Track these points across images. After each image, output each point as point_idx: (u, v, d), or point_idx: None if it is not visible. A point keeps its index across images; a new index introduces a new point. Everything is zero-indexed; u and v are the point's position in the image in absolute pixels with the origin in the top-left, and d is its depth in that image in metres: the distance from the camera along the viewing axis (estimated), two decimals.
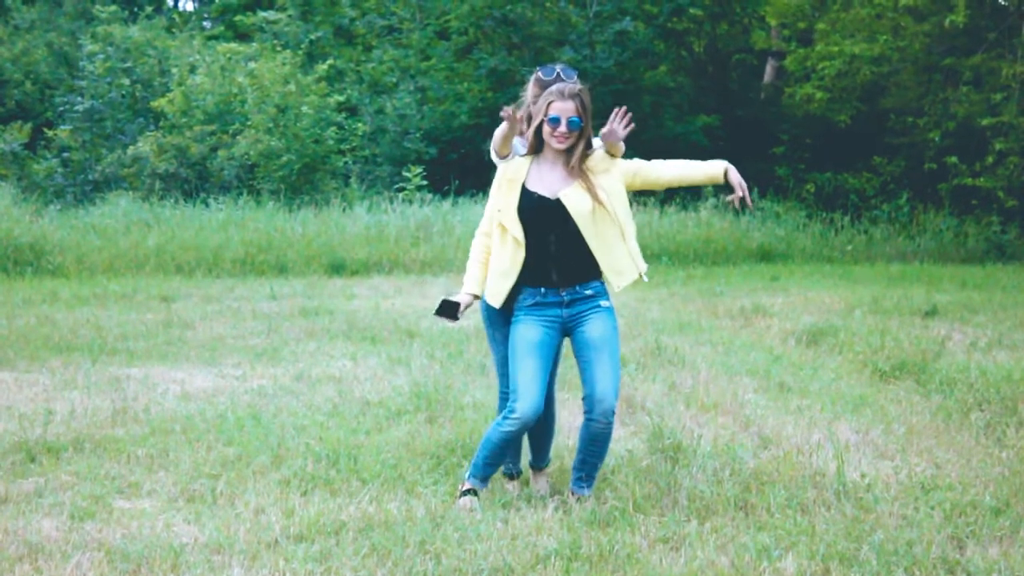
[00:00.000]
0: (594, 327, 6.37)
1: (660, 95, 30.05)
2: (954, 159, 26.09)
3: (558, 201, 6.32)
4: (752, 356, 11.25)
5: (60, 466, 7.18)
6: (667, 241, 22.40)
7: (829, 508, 6.34)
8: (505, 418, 6.28)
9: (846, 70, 27.21)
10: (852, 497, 6.50)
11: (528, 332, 6.35)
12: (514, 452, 6.88)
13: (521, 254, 6.38)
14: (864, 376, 10.43)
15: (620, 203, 6.45)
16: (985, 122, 25.20)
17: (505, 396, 6.66)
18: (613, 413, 6.30)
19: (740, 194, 6.53)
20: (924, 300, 15.21)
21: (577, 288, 6.39)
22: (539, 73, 6.65)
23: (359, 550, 5.59)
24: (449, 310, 6.46)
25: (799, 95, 28.20)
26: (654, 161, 6.61)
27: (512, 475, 6.95)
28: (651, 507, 6.35)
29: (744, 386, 9.80)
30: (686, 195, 25.36)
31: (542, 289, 6.39)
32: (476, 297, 6.61)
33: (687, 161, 6.66)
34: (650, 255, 21.12)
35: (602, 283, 6.49)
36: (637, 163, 6.57)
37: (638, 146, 26.06)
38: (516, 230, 6.36)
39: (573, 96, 6.27)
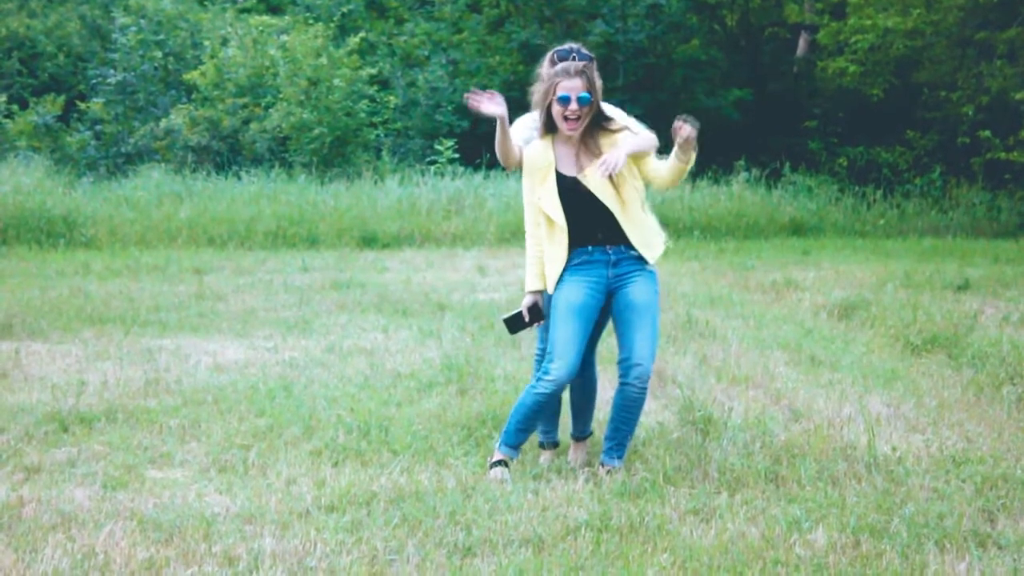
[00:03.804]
0: (638, 290, 6.36)
1: (692, 68, 29.90)
2: (987, 133, 25.87)
3: (580, 180, 6.33)
4: (783, 330, 11.23)
5: (93, 436, 7.23)
6: (699, 215, 22.30)
7: (860, 481, 6.33)
8: (539, 379, 6.30)
9: (879, 44, 27.02)
10: (883, 470, 6.48)
11: (572, 294, 6.33)
12: (552, 420, 6.88)
13: (566, 237, 6.36)
14: (896, 350, 10.39)
15: (633, 176, 6.41)
16: (1019, 96, 24.97)
17: (542, 357, 6.67)
18: (648, 378, 6.32)
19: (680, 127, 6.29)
20: (956, 274, 15.15)
21: (623, 248, 6.37)
22: (553, 54, 6.62)
23: (390, 520, 5.61)
24: (518, 323, 6.51)
25: (832, 69, 28.01)
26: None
27: (547, 445, 6.95)
28: (681, 479, 6.35)
29: (775, 359, 9.78)
30: (718, 168, 25.27)
31: (589, 248, 6.37)
32: (539, 292, 6.57)
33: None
34: (682, 228, 21.09)
35: None
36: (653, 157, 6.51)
37: (671, 120, 25.92)
38: (559, 217, 6.35)
39: (579, 73, 6.27)
